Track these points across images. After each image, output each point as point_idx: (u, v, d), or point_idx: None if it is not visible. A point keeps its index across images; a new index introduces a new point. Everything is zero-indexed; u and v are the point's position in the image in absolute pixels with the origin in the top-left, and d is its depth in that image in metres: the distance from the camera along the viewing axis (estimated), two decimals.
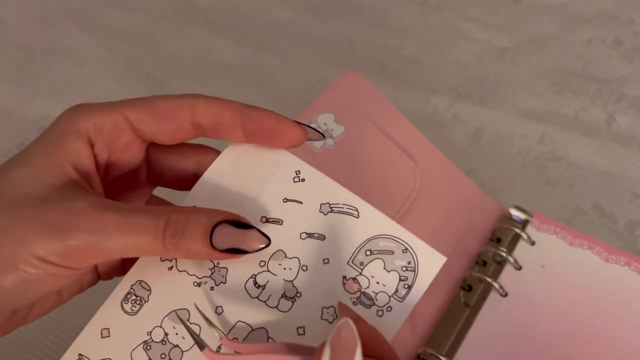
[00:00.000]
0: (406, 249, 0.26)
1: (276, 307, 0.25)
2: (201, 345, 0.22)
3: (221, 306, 0.25)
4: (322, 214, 0.26)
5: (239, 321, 0.25)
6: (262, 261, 0.25)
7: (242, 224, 0.24)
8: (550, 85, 0.54)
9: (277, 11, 0.65)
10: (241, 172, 0.27)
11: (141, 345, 0.26)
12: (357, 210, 0.26)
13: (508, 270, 0.38)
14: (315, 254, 0.25)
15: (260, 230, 0.24)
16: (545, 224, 0.40)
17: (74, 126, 0.25)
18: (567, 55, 0.56)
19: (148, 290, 0.26)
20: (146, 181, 0.29)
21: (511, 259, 0.38)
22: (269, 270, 0.25)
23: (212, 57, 0.62)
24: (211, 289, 0.25)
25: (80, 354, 0.26)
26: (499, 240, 0.40)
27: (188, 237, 0.23)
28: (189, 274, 0.26)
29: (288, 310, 0.25)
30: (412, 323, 0.35)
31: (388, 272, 0.25)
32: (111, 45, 0.63)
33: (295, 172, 0.26)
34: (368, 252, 0.25)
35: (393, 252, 0.26)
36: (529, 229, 0.40)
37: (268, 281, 0.25)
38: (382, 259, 0.25)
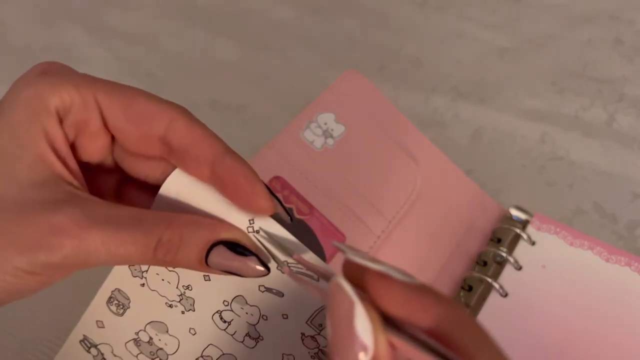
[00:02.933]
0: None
1: (242, 342, 0.25)
2: (290, 252, 0.22)
3: (194, 328, 0.25)
4: (279, 271, 0.23)
5: (210, 344, 0.26)
6: (226, 301, 0.24)
7: (240, 248, 0.22)
8: (551, 85, 0.54)
9: (277, 10, 0.65)
10: (198, 196, 0.24)
11: (132, 341, 0.27)
12: (315, 274, 0.23)
13: (508, 271, 0.38)
14: (274, 308, 0.24)
15: (259, 258, 0.22)
16: (545, 224, 0.40)
17: (42, 103, 0.22)
18: (567, 55, 0.56)
19: (128, 299, 0.26)
20: (115, 166, 0.26)
21: (511, 259, 0.38)
22: (232, 311, 0.25)
23: (212, 56, 0.61)
24: (182, 313, 0.25)
25: (84, 335, 0.27)
26: (499, 241, 0.40)
27: (182, 257, 0.22)
28: (160, 295, 0.25)
29: (252, 348, 0.25)
30: None
31: None
32: (111, 45, 0.63)
33: (249, 220, 0.23)
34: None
35: None
36: (530, 229, 0.40)
37: (233, 319, 0.25)
38: None
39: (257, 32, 0.63)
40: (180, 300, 0.25)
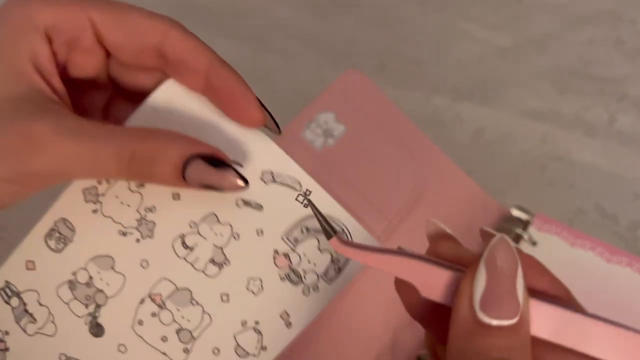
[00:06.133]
0: (343, 231, 0.24)
1: (202, 270, 0.24)
2: (329, 234, 0.21)
3: (146, 260, 0.24)
4: (262, 182, 0.24)
5: (163, 278, 0.24)
6: (193, 222, 0.24)
7: (218, 161, 0.22)
8: (552, 85, 0.54)
9: (277, 10, 0.65)
10: (187, 108, 0.24)
11: (66, 284, 0.25)
12: (300, 184, 0.24)
13: None
14: (249, 224, 0.24)
15: (237, 171, 0.22)
16: (546, 225, 0.39)
17: (29, 19, 0.22)
18: (568, 55, 0.56)
19: (72, 231, 0.25)
20: (107, 81, 0.26)
21: None
22: (199, 233, 0.24)
23: None
24: (137, 241, 0.24)
25: (7, 281, 0.25)
26: None
27: (158, 171, 0.22)
28: (114, 221, 0.24)
29: (214, 276, 0.24)
30: (412, 324, 0.35)
31: (321, 251, 0.24)
32: None
33: (264, 172, 0.24)
34: (304, 230, 0.24)
35: None
36: (531, 229, 0.39)
37: (197, 244, 0.24)
38: (317, 239, 0.24)
39: (257, 31, 0.63)
40: (138, 226, 0.24)
